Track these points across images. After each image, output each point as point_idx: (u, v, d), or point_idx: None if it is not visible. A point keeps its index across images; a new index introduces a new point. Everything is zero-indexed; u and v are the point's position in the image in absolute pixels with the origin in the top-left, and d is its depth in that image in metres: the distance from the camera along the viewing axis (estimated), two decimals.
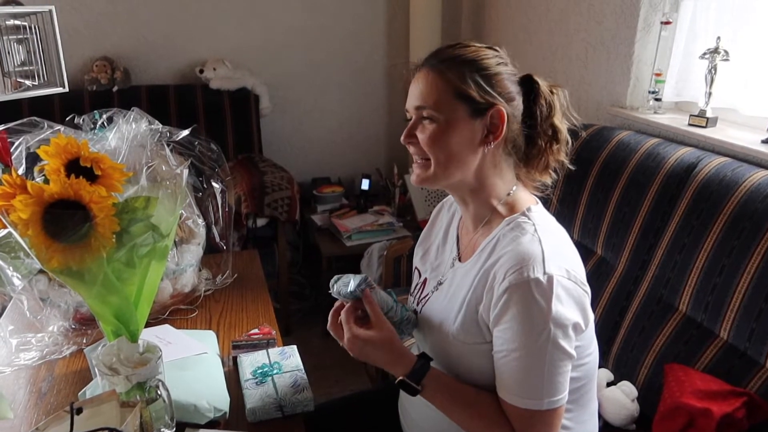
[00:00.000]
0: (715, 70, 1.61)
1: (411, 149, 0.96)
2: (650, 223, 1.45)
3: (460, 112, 0.91)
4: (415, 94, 0.94)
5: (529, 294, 0.84)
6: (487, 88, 0.91)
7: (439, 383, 0.94)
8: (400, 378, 0.93)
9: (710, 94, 1.64)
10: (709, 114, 1.64)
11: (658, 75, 1.83)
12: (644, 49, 1.86)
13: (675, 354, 1.28)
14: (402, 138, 0.96)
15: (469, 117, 0.92)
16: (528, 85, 0.96)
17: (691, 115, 1.68)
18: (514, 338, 0.86)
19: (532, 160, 0.99)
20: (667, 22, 1.78)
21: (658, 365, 1.29)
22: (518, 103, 0.95)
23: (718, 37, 1.60)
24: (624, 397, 1.30)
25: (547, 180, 1.02)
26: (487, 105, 0.91)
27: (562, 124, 0.98)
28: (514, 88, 0.94)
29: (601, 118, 2.03)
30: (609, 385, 1.36)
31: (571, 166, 1.02)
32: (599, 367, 1.39)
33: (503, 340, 0.87)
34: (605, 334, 1.47)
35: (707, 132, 1.60)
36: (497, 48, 0.97)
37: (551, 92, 0.97)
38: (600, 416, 1.30)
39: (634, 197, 1.51)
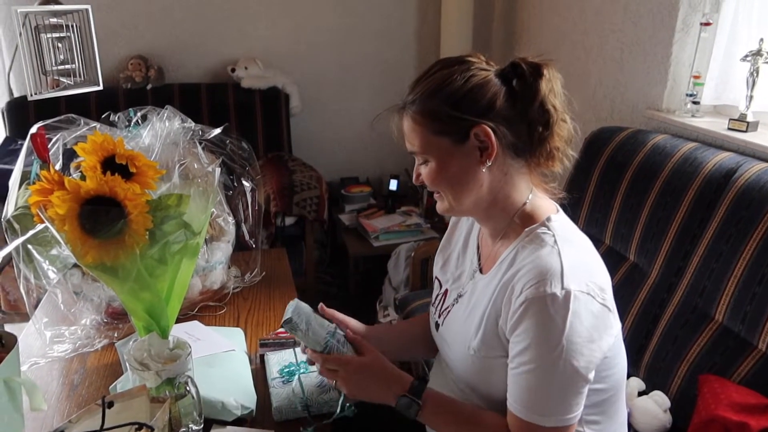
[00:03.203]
0: (758, 72, 1.56)
1: (427, 187, 0.98)
2: (686, 230, 1.41)
3: (445, 146, 0.91)
4: (405, 140, 0.96)
5: (545, 310, 0.82)
6: (459, 114, 0.88)
7: (438, 402, 0.94)
8: (400, 395, 0.93)
9: (751, 97, 1.59)
10: (749, 118, 1.59)
11: (696, 77, 1.78)
12: (682, 50, 1.82)
13: (710, 365, 1.25)
14: (413, 181, 0.99)
15: (455, 146, 0.90)
16: (517, 75, 0.90)
17: (730, 119, 1.63)
18: (525, 351, 0.84)
19: (535, 149, 0.93)
20: (707, 23, 1.73)
21: (692, 376, 1.26)
22: (501, 104, 0.89)
23: (761, 39, 1.55)
24: (656, 408, 1.27)
25: (556, 169, 0.96)
26: (466, 129, 0.89)
27: (551, 106, 0.90)
28: (492, 92, 0.89)
29: (636, 121, 1.98)
30: (641, 394, 1.33)
31: (572, 153, 0.96)
32: (630, 375, 1.37)
33: (516, 352, 0.86)
34: (637, 341, 1.44)
35: (748, 136, 1.55)
36: (471, 57, 0.92)
37: (538, 75, 0.89)
38: (630, 426, 1.27)
39: (670, 202, 1.47)
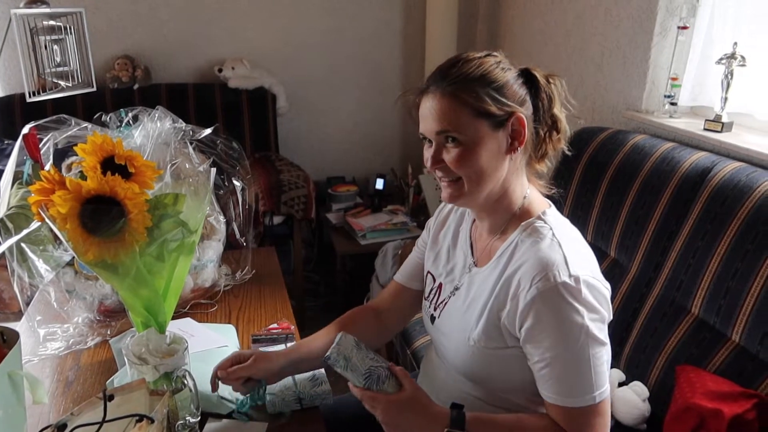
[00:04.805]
0: (732, 75, 1.61)
1: (438, 173, 0.97)
2: (664, 226, 1.47)
3: (482, 128, 0.92)
4: (433, 119, 0.93)
5: (560, 297, 0.86)
6: (503, 99, 0.92)
7: (480, 422, 0.92)
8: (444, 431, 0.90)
9: (726, 99, 1.64)
10: (724, 119, 1.64)
11: (674, 79, 1.83)
12: (660, 53, 1.87)
13: (687, 356, 1.30)
14: (429, 166, 0.96)
15: (491, 131, 0.92)
16: (528, 79, 0.97)
17: (706, 120, 1.68)
18: (555, 345, 0.87)
19: (539, 148, 1.00)
20: (684, 27, 1.78)
21: (670, 366, 1.31)
22: (529, 102, 0.96)
23: (735, 43, 1.60)
24: (635, 397, 1.32)
25: (543, 168, 1.03)
26: (506, 115, 0.92)
27: (561, 113, 0.99)
28: (522, 90, 0.95)
29: (616, 122, 2.04)
30: (621, 385, 1.38)
31: (568, 152, 1.04)
32: (611, 367, 1.42)
33: (543, 349, 0.88)
34: (618, 335, 1.48)
35: (722, 137, 1.61)
36: (495, 53, 0.97)
37: (548, 82, 0.97)
38: (611, 416, 1.31)
39: (649, 200, 1.52)
